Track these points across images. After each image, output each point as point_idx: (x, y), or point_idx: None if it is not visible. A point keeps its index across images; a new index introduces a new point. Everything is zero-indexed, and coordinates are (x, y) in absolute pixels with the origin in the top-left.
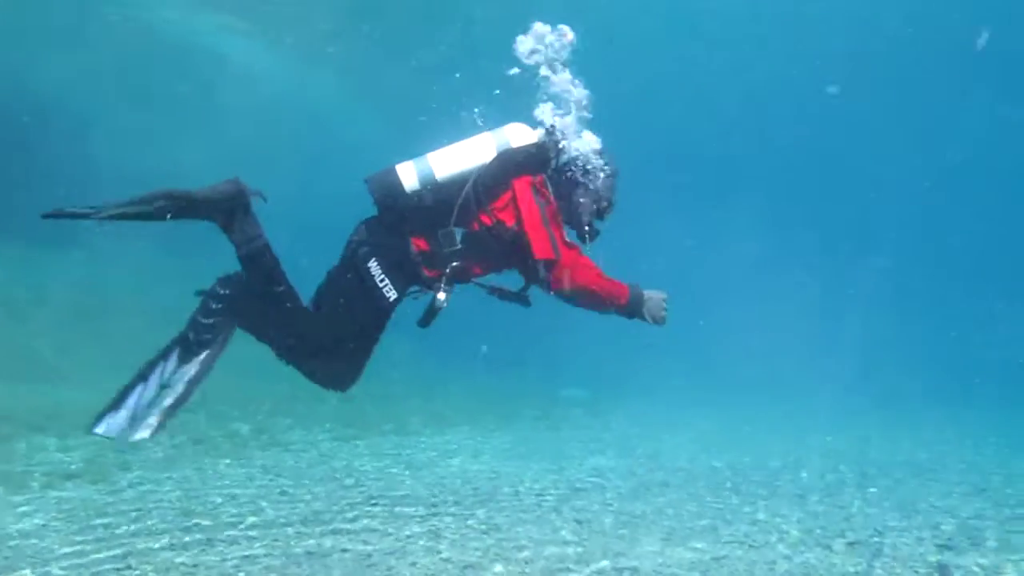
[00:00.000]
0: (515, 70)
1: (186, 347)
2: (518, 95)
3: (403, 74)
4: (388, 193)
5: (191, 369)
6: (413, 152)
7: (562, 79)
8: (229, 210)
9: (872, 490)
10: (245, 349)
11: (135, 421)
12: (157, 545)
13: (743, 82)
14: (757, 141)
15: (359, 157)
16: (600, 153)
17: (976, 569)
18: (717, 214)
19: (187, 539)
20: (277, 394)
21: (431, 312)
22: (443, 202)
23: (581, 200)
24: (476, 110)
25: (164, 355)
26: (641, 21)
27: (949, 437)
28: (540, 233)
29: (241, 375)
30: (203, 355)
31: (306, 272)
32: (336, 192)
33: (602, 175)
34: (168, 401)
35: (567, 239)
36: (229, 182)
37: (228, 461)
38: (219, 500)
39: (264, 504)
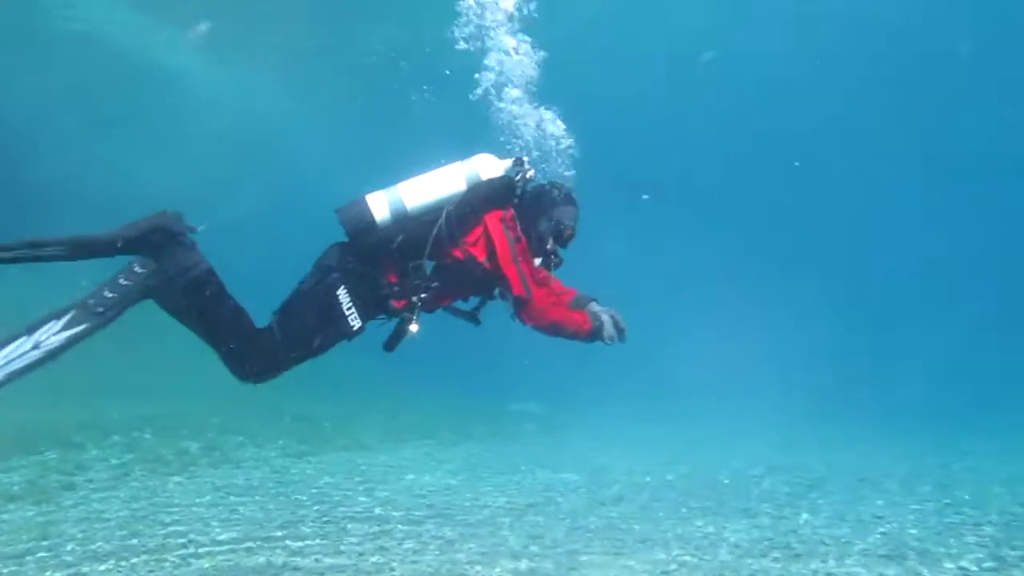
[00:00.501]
0: (461, 44)
1: (82, 313)
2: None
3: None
4: (359, 224)
5: (67, 335)
6: (359, 161)
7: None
8: (156, 244)
9: (820, 502)
10: (193, 365)
11: None
12: (103, 567)
13: (680, 87)
14: (698, 152)
15: (307, 166)
16: (560, 181)
17: None
18: (663, 228)
19: (134, 560)
20: (227, 411)
21: (396, 337)
22: (414, 235)
23: (543, 229)
24: (425, 88)
25: (57, 316)
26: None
27: (891, 447)
28: (512, 270)
29: (190, 392)
30: (86, 325)
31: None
32: (287, 204)
33: (562, 202)
34: (26, 362)
35: (537, 277)
36: (153, 217)
37: (178, 479)
38: (168, 519)
39: (214, 523)
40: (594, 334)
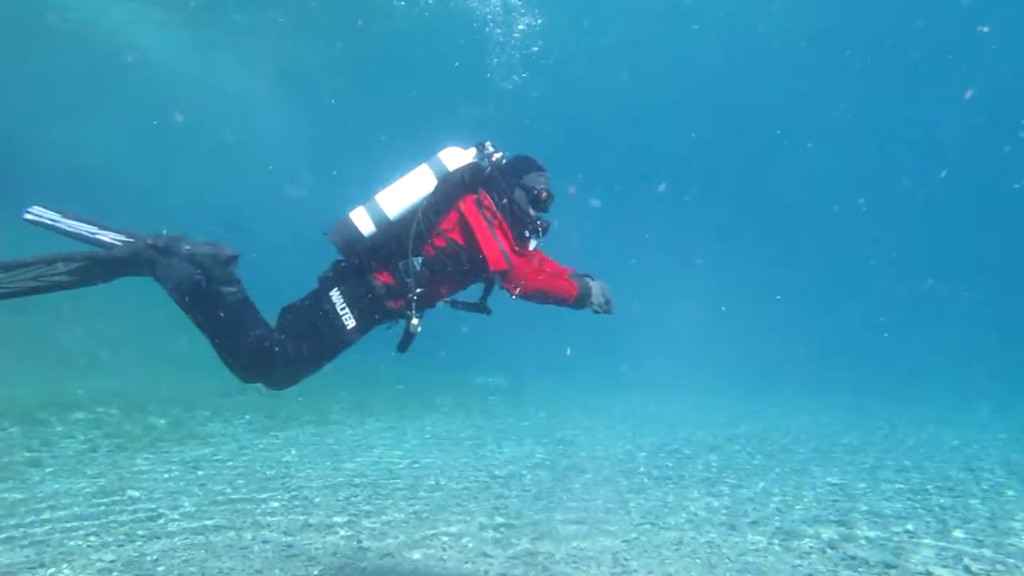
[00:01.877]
0: None
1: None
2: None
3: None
4: (349, 242)
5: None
6: (326, 146)
7: None
8: (144, 263)
9: (776, 471)
10: (160, 342)
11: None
12: (72, 542)
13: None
14: (663, 134)
15: (274, 147)
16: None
17: (864, 542)
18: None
19: (104, 535)
20: (195, 387)
21: (407, 338)
22: (398, 236)
23: (517, 198)
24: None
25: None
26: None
27: (845, 419)
28: (491, 246)
29: (156, 368)
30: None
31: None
32: (248, 183)
33: (529, 170)
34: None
35: (516, 247)
36: (132, 242)
37: (145, 455)
38: (136, 495)
39: (183, 498)
40: (581, 299)
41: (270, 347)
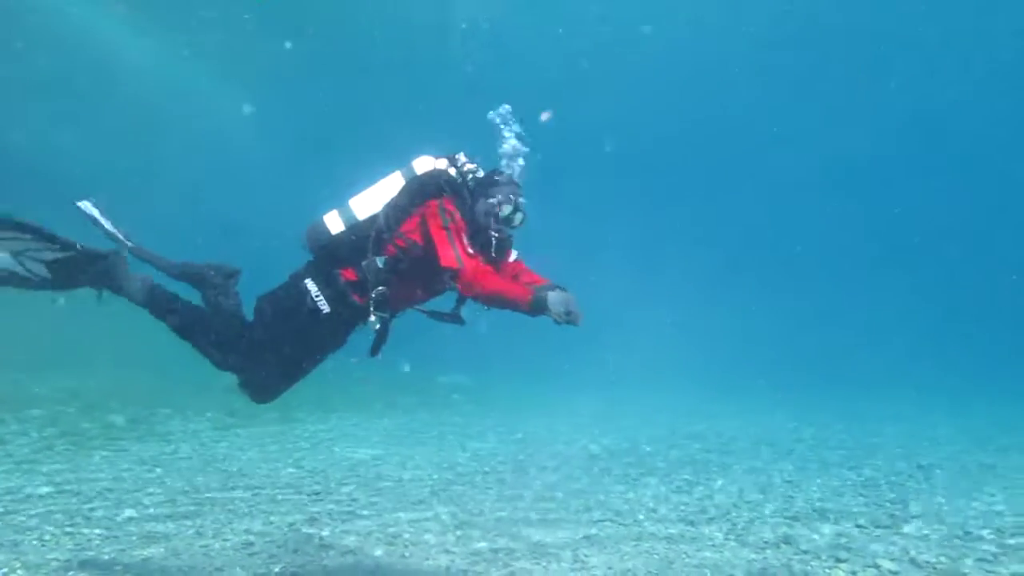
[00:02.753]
0: None
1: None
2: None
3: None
4: (318, 241)
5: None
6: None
7: None
8: (99, 274)
9: (735, 468)
10: (121, 340)
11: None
12: (26, 542)
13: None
14: (631, 132)
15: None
16: (504, 168)
17: (816, 537)
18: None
19: (59, 534)
20: (156, 385)
21: (378, 341)
22: (364, 237)
23: (478, 209)
24: None
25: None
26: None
27: (803, 417)
28: (444, 246)
29: (116, 366)
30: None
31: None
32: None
33: (500, 184)
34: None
35: (471, 251)
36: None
37: (103, 453)
38: (93, 494)
39: (141, 496)
40: (535, 307)
41: (251, 342)
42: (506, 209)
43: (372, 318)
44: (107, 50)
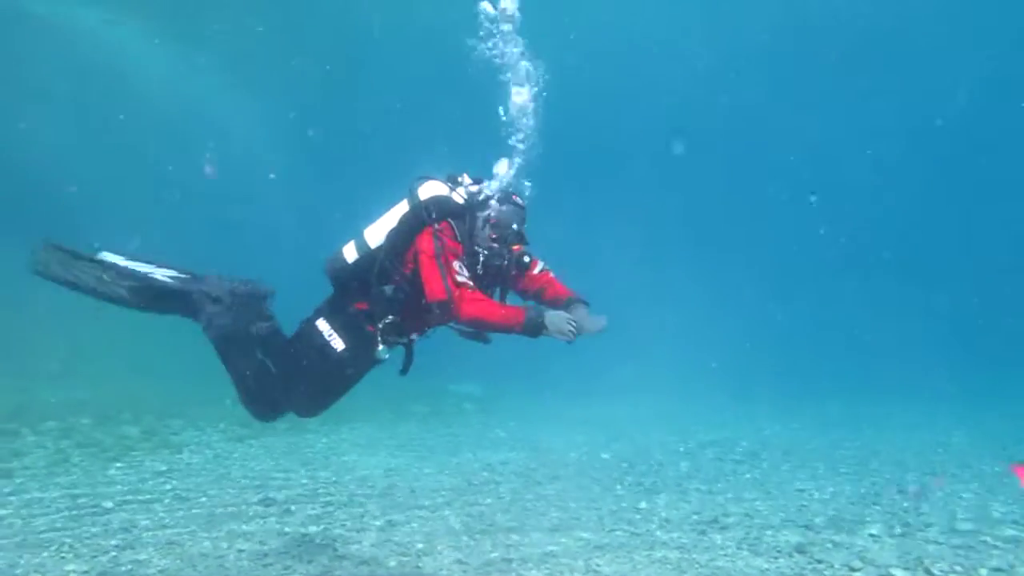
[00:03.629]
0: None
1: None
2: None
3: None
4: (335, 271)
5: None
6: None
7: None
8: (192, 305)
9: (747, 476)
10: (132, 351)
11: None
12: (45, 554)
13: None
14: (630, 136)
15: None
16: (501, 189)
17: (830, 545)
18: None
19: (77, 546)
20: (168, 396)
21: (407, 363)
22: (370, 267)
23: (476, 229)
24: None
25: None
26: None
27: (814, 426)
28: (430, 278)
29: (130, 377)
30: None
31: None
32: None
33: (499, 206)
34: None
35: (460, 277)
36: (186, 279)
37: (119, 465)
38: (110, 505)
39: (157, 507)
40: (528, 328)
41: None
42: (513, 236)
43: (380, 347)
44: (120, 60)
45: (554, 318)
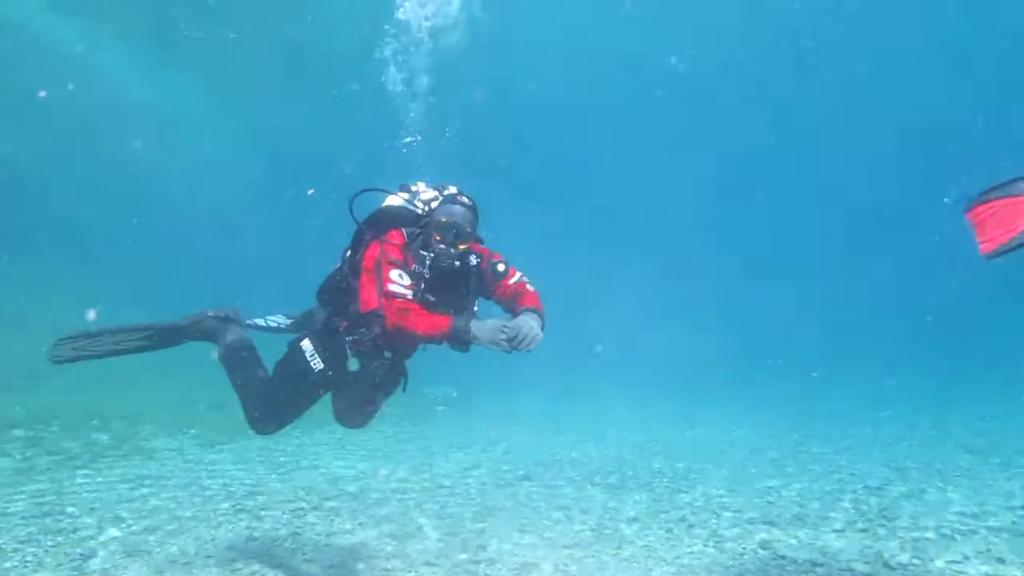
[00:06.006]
0: None
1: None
2: None
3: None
4: (319, 287)
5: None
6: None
7: None
8: (205, 330)
9: (717, 475)
10: (103, 359)
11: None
12: (8, 563)
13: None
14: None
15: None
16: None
17: (794, 542)
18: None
19: (42, 555)
20: (140, 402)
21: (404, 379)
22: (340, 285)
23: (425, 234)
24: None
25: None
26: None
27: (784, 423)
28: (366, 286)
29: (100, 384)
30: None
31: None
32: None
33: (444, 206)
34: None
35: (396, 287)
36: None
37: (86, 472)
38: (76, 512)
39: (124, 514)
40: (453, 337)
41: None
42: (444, 226)
43: (349, 360)
44: (94, 68)
45: (484, 327)
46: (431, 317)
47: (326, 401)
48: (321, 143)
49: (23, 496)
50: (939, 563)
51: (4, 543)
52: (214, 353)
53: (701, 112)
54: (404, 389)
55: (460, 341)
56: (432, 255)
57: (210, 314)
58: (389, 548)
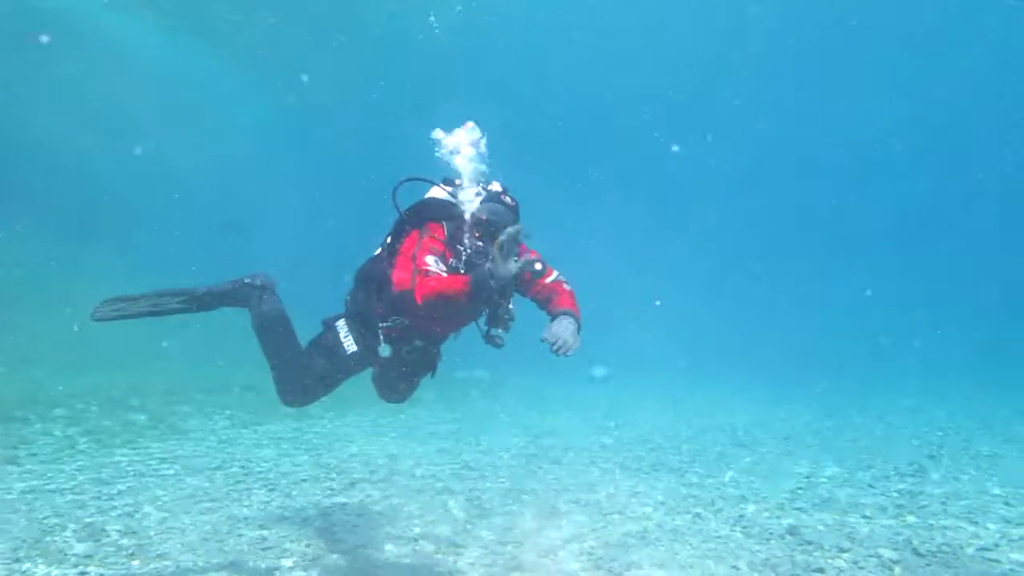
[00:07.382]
0: None
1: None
2: None
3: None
4: (357, 271)
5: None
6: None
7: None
8: (242, 296)
9: (746, 460)
10: (140, 340)
11: None
12: (48, 538)
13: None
14: (624, 140)
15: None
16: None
17: (821, 528)
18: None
19: (79, 531)
20: (176, 383)
21: (433, 367)
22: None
23: (466, 233)
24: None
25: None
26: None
27: (817, 410)
28: (400, 268)
29: (137, 365)
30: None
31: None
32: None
33: (486, 205)
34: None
35: (432, 268)
36: (233, 281)
37: (124, 451)
38: (114, 491)
39: (160, 492)
40: (476, 287)
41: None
42: (487, 223)
43: (381, 347)
44: (136, 53)
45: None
46: (454, 277)
47: (358, 384)
48: (356, 141)
49: (64, 474)
50: (969, 550)
51: (44, 517)
52: (252, 319)
53: None
54: (433, 375)
55: (481, 288)
56: (468, 251)
57: (246, 281)
58: (417, 529)
